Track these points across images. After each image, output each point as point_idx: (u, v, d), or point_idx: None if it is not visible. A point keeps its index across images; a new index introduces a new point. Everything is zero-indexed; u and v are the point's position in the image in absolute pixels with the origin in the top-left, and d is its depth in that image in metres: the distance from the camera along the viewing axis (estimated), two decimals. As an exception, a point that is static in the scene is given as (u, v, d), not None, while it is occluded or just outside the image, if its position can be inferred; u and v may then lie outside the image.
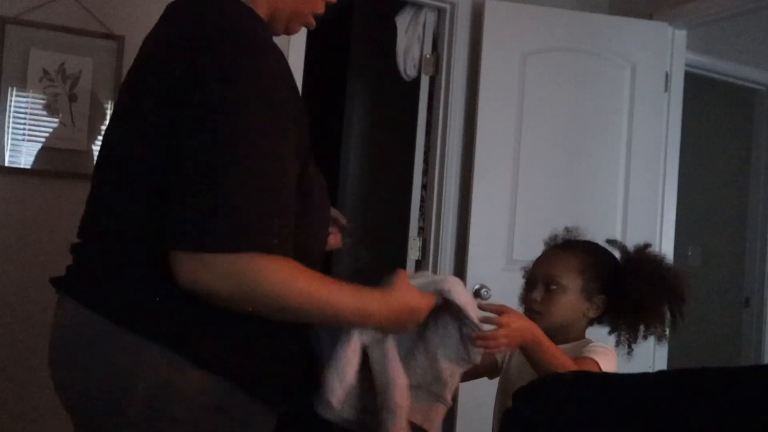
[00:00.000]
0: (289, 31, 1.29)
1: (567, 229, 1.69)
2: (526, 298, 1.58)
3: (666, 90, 3.11)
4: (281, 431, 1.23)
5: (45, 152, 2.25)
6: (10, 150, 2.21)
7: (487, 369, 1.62)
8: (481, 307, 1.36)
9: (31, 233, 2.22)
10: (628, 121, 3.01)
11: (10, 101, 2.19)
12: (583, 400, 1.04)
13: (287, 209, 1.06)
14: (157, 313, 1.07)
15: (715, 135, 4.22)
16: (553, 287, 1.53)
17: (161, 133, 1.06)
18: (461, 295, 1.30)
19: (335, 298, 1.12)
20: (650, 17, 3.15)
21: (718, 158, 4.25)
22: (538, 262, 1.61)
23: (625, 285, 1.52)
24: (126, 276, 1.10)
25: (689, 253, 4.16)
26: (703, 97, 3.79)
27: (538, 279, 1.56)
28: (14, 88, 2.20)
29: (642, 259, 1.57)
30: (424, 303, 1.25)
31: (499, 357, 1.62)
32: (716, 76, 3.56)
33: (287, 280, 1.05)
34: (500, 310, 1.36)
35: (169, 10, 1.21)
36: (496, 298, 2.92)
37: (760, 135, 3.87)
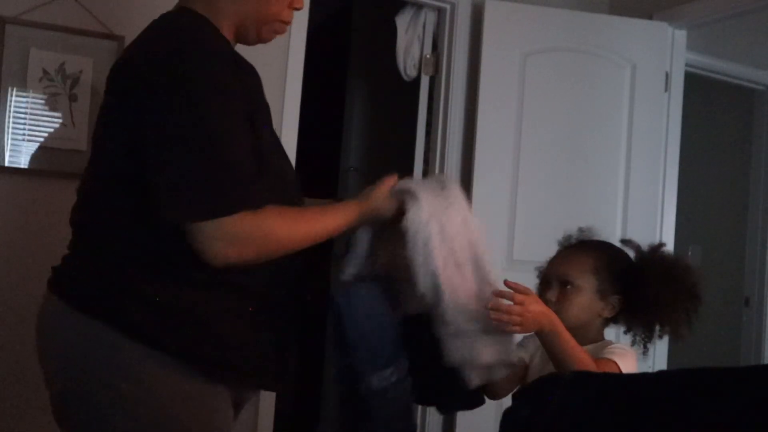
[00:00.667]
0: (261, 40, 1.40)
1: (581, 229, 1.69)
2: (540, 298, 1.57)
3: (666, 90, 3.11)
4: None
5: (45, 152, 2.24)
6: (10, 150, 2.20)
7: (519, 374, 1.60)
8: (506, 285, 1.38)
9: (31, 233, 2.21)
10: (628, 121, 3.01)
11: (10, 101, 2.19)
12: (583, 400, 1.04)
13: (252, 175, 1.23)
14: (107, 296, 1.22)
15: (715, 135, 4.22)
16: (568, 287, 1.52)
17: (126, 133, 1.22)
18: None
19: (322, 225, 1.31)
20: (650, 17, 3.14)
21: (718, 158, 4.24)
22: (553, 261, 1.61)
23: (641, 284, 1.52)
24: (82, 262, 1.27)
25: (689, 253, 4.15)
26: (703, 97, 3.79)
27: (553, 279, 1.56)
28: (14, 88, 2.20)
29: (657, 258, 1.56)
30: (384, 208, 1.41)
31: (525, 356, 1.60)
32: (716, 76, 3.55)
33: (284, 226, 1.25)
34: (523, 291, 1.37)
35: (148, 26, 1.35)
36: (496, 298, 2.92)
37: (760, 135, 3.87)
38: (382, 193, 1.41)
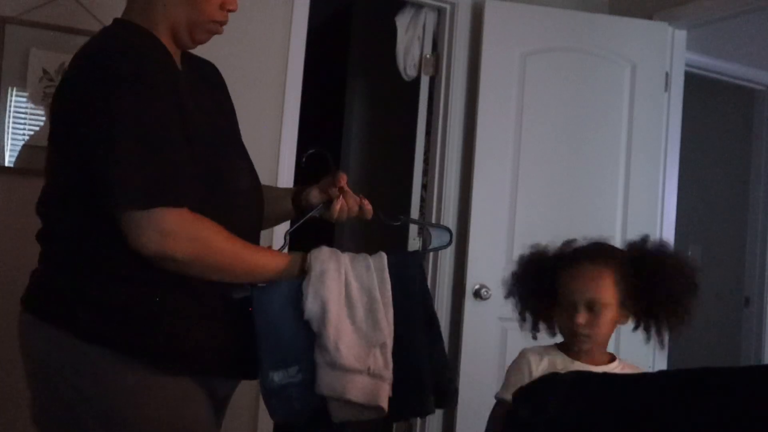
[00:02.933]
0: (196, 41, 1.43)
1: (567, 241, 1.69)
2: (569, 323, 1.55)
3: (666, 90, 3.11)
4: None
5: (43, 152, 2.24)
6: (10, 150, 2.21)
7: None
8: None
9: (31, 233, 2.21)
10: (628, 121, 3.01)
11: (10, 101, 2.19)
12: (583, 400, 1.04)
13: (186, 172, 1.27)
14: (53, 298, 1.31)
15: (715, 135, 4.22)
16: (597, 308, 1.52)
17: (70, 143, 1.30)
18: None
19: (250, 257, 1.34)
20: (650, 17, 3.14)
21: (718, 158, 4.24)
22: (575, 282, 1.57)
23: (656, 282, 1.52)
24: (42, 274, 1.38)
25: (689, 253, 4.16)
26: (703, 97, 3.79)
27: (580, 303, 1.54)
28: (14, 88, 2.20)
29: (667, 253, 1.58)
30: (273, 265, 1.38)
31: (525, 367, 1.60)
32: (716, 76, 3.55)
33: (218, 237, 1.28)
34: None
35: None
36: (496, 298, 2.92)
37: (760, 135, 3.87)
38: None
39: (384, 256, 1.40)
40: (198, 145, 1.31)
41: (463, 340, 2.81)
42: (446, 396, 1.40)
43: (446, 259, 2.94)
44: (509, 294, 1.69)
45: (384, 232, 3.61)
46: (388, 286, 1.36)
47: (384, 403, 1.32)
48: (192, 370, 1.32)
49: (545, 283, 1.62)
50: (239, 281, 1.33)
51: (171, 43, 1.41)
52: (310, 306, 1.31)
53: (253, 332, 1.32)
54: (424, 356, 1.36)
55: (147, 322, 1.28)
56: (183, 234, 1.24)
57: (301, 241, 1.50)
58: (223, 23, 1.43)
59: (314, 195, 1.54)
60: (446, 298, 2.93)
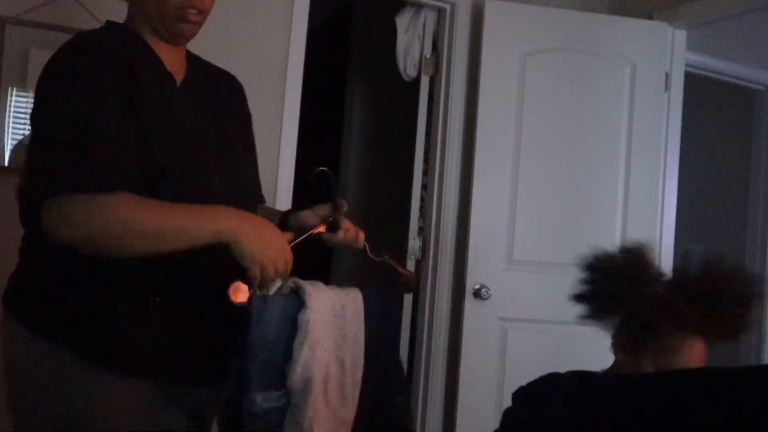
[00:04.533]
0: (177, 34, 1.39)
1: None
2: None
3: (666, 90, 3.11)
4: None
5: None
6: (11, 150, 2.21)
7: None
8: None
9: (31, 233, 2.21)
10: (628, 121, 3.01)
11: (10, 101, 2.19)
12: (583, 400, 1.04)
13: (107, 161, 1.22)
14: (16, 293, 1.33)
15: (715, 135, 4.22)
16: None
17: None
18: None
19: (176, 221, 1.23)
20: (650, 17, 3.14)
21: (718, 158, 4.24)
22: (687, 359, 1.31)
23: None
24: (14, 272, 1.38)
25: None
26: (703, 97, 3.79)
27: None
28: (14, 88, 2.20)
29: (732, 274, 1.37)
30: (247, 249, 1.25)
31: None
32: (716, 76, 3.55)
33: (132, 213, 1.21)
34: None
35: None
36: (496, 299, 2.92)
37: (760, 135, 3.87)
38: (257, 238, 1.26)
39: (359, 298, 1.36)
40: (160, 141, 1.28)
41: (463, 340, 2.81)
42: None
43: (446, 259, 2.94)
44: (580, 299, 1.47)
45: (383, 231, 3.60)
46: (361, 344, 1.34)
47: None
48: (139, 373, 1.27)
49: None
50: (169, 247, 1.22)
51: (159, 41, 1.39)
52: (296, 378, 1.25)
53: (244, 345, 1.24)
54: (390, 402, 1.37)
55: (92, 320, 1.26)
56: (83, 217, 1.19)
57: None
58: (196, 9, 1.37)
59: (310, 217, 1.48)
60: (446, 298, 2.93)
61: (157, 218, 1.21)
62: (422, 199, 3.11)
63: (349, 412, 1.31)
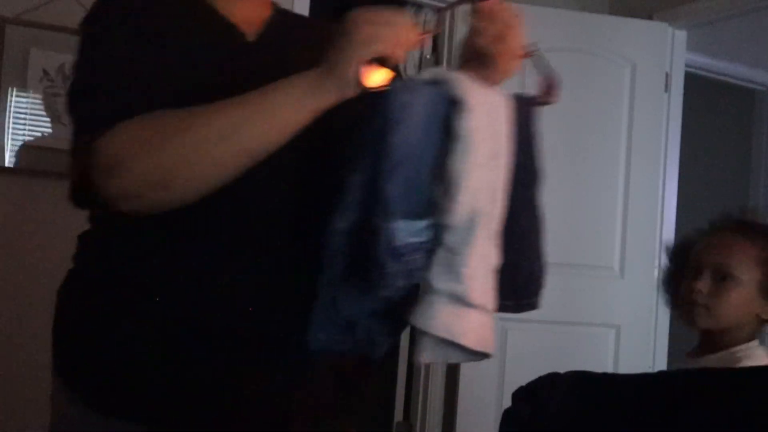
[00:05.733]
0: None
1: (743, 210, 1.42)
2: (688, 288, 1.31)
3: (666, 90, 3.11)
4: None
5: (44, 152, 2.24)
6: (10, 150, 2.21)
7: None
8: None
9: (31, 233, 2.21)
10: (628, 121, 3.01)
11: (10, 101, 2.19)
12: (583, 400, 1.04)
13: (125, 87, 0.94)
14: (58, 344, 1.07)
15: (715, 135, 4.22)
16: (725, 279, 1.30)
17: None
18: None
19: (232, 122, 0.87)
20: (650, 17, 3.14)
21: (718, 158, 4.24)
22: (708, 246, 1.35)
23: None
24: None
25: (689, 253, 4.16)
26: (703, 97, 3.79)
27: (706, 267, 1.32)
28: (14, 88, 2.20)
29: None
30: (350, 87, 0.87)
31: None
32: (716, 76, 3.55)
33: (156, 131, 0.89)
34: None
35: None
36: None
37: (760, 135, 3.87)
38: (355, 63, 0.87)
39: (507, 103, 1.00)
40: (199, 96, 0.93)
41: (463, 340, 2.81)
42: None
43: (446, 259, 2.94)
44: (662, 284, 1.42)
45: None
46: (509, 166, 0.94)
47: (491, 349, 0.94)
48: (123, 415, 0.97)
49: (684, 259, 1.36)
50: (256, 147, 0.88)
51: None
52: (459, 208, 0.86)
53: (381, 150, 0.85)
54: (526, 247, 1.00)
55: (86, 349, 1.00)
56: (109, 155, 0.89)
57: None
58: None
59: None
60: (446, 298, 2.93)
61: (219, 113, 0.88)
62: (422, 199, 3.12)
63: (496, 258, 0.93)
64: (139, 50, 0.96)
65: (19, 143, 2.22)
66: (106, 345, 0.98)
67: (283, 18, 1.17)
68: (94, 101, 0.93)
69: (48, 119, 2.24)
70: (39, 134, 2.24)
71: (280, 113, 0.88)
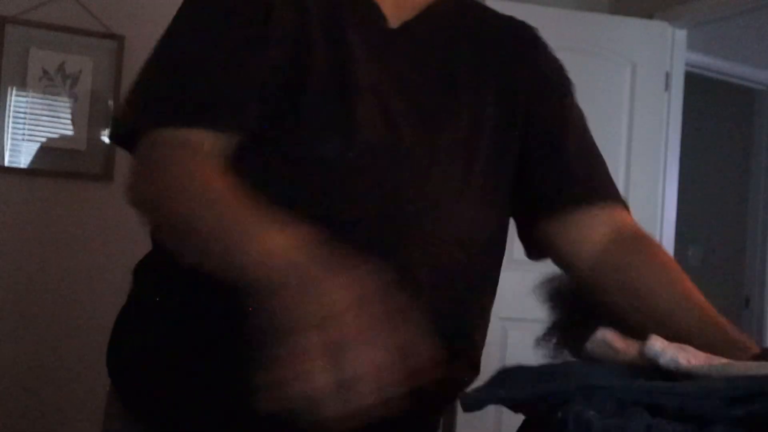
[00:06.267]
0: None
1: None
2: None
3: (666, 89, 3.11)
4: None
5: (45, 152, 2.24)
6: (10, 150, 2.20)
7: None
8: None
9: (31, 233, 2.21)
10: (628, 121, 3.01)
11: (10, 101, 2.19)
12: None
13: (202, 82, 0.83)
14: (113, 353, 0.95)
15: (715, 135, 4.22)
16: None
17: None
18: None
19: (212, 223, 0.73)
20: (651, 17, 3.14)
21: (718, 158, 4.24)
22: None
23: None
24: None
25: (689, 253, 4.16)
26: (703, 97, 3.79)
27: None
28: (14, 88, 2.20)
29: None
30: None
31: None
32: (716, 75, 3.55)
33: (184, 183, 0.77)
34: None
35: None
36: (496, 298, 2.91)
37: (760, 135, 3.87)
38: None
39: None
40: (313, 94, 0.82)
41: (463, 340, 2.81)
42: None
43: (446, 259, 2.94)
44: None
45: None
46: None
47: None
48: (147, 422, 0.87)
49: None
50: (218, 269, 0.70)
51: None
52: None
53: None
54: None
55: (120, 349, 0.91)
56: (145, 169, 0.81)
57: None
58: None
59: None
60: (446, 298, 2.93)
61: (191, 203, 0.75)
62: (422, 199, 3.11)
63: None
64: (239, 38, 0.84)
65: (19, 143, 2.21)
66: (164, 364, 0.85)
67: (455, 6, 0.99)
68: (167, 98, 0.83)
69: (48, 119, 2.24)
70: (39, 134, 2.24)
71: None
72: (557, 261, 1.00)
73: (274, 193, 0.75)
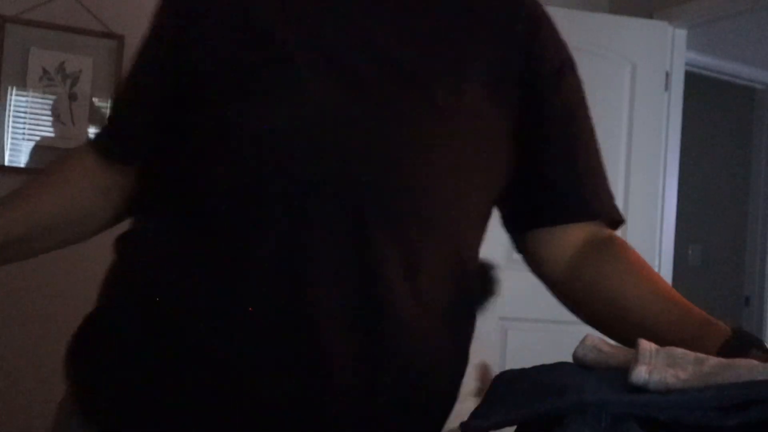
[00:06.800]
0: None
1: None
2: None
3: (666, 89, 3.11)
4: None
5: (45, 151, 2.24)
6: (10, 149, 2.20)
7: None
8: None
9: (31, 233, 2.21)
10: (628, 121, 3.01)
11: (10, 101, 2.19)
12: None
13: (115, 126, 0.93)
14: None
15: (715, 135, 4.22)
16: None
17: None
18: None
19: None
20: (650, 16, 3.14)
21: (718, 158, 4.24)
22: None
23: None
24: None
25: (689, 253, 4.16)
26: (703, 96, 3.79)
27: None
28: (14, 88, 2.20)
29: None
30: None
31: None
32: (716, 75, 3.55)
33: None
34: None
35: None
36: (496, 299, 2.92)
37: (760, 135, 3.87)
38: None
39: None
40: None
41: (463, 339, 2.81)
42: None
43: (446, 258, 2.94)
44: None
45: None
46: None
47: None
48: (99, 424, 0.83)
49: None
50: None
51: None
52: None
53: None
54: None
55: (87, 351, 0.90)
56: None
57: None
58: None
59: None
60: (446, 297, 2.93)
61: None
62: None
63: None
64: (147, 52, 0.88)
65: (19, 142, 2.22)
66: (127, 364, 0.83)
67: None
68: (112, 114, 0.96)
69: (48, 118, 2.24)
70: (39, 133, 2.24)
71: None
72: (537, 275, 0.98)
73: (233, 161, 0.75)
